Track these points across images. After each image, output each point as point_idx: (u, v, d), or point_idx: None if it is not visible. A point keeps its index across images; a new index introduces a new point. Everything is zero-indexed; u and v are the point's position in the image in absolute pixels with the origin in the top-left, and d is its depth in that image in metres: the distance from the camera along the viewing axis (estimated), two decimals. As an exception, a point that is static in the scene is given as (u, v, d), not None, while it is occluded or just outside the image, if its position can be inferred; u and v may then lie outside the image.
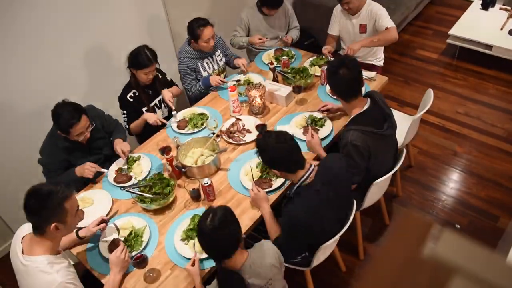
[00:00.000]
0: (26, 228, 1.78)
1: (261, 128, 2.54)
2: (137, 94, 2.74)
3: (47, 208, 1.62)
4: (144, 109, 2.80)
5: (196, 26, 2.84)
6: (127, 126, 2.80)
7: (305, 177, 1.88)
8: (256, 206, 2.14)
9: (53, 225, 1.63)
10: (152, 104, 2.85)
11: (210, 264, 1.94)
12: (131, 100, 2.73)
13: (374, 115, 2.19)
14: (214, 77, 2.96)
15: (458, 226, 2.84)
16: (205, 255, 1.93)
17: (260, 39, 3.17)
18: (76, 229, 2.01)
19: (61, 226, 1.66)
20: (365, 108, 2.18)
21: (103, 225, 2.03)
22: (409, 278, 0.49)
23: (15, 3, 2.45)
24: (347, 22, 3.16)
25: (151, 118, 2.65)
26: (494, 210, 2.92)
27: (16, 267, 1.70)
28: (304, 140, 2.39)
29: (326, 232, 1.98)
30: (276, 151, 1.84)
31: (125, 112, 2.78)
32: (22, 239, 1.73)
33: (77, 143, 2.39)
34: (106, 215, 2.21)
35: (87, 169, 2.31)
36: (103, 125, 2.60)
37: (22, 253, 1.68)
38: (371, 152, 2.14)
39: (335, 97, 2.34)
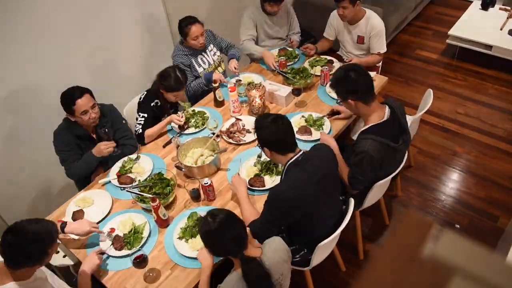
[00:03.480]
0: None
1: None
2: (159, 104, 2.71)
3: (31, 253, 1.54)
4: (163, 119, 2.75)
5: (184, 25, 2.86)
6: (141, 130, 2.60)
7: (293, 159, 1.92)
8: (234, 190, 2.16)
9: (33, 267, 1.58)
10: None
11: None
12: (154, 109, 2.69)
13: (392, 127, 2.16)
14: (217, 73, 2.96)
15: (458, 226, 2.84)
16: None
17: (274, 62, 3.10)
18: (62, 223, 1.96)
19: (39, 266, 1.62)
20: (385, 118, 2.13)
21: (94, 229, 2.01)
22: (409, 278, 0.49)
23: (14, 3, 2.45)
24: (344, 30, 3.16)
25: (175, 119, 2.59)
26: (494, 210, 2.92)
27: None
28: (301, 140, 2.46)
29: (308, 214, 1.94)
30: (270, 130, 1.91)
31: (145, 115, 2.62)
32: None
33: (84, 139, 2.37)
34: (106, 215, 2.21)
35: (103, 148, 2.30)
36: (115, 127, 2.51)
37: None
38: (382, 164, 2.13)
39: (339, 100, 2.24)
